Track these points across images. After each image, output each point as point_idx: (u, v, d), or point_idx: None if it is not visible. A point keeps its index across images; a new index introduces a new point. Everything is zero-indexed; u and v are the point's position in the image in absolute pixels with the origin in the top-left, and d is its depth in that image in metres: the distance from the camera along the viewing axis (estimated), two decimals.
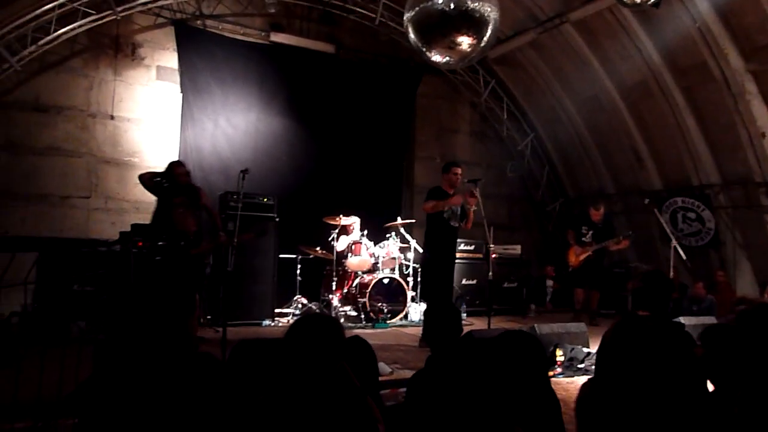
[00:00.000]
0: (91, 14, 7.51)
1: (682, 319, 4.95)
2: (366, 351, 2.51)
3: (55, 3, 7.14)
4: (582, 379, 3.77)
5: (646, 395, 2.12)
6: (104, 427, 1.95)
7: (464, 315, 7.57)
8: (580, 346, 5.20)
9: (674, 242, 7.15)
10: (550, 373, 4.77)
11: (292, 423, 1.81)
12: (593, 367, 4.72)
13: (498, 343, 2.20)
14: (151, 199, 8.30)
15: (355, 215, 8.13)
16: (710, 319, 6.24)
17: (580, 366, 4.91)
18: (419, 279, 7.99)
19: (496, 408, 1.87)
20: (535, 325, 5.39)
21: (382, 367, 4.59)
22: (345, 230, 8.08)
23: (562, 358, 5.00)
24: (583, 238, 8.04)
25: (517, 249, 9.68)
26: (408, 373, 4.73)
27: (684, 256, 7.20)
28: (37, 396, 2.40)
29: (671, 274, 6.90)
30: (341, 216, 7.89)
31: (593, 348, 5.23)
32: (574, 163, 10.99)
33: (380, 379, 3.85)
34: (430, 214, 6.28)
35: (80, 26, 7.52)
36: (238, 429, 1.96)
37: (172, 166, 5.67)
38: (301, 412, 1.82)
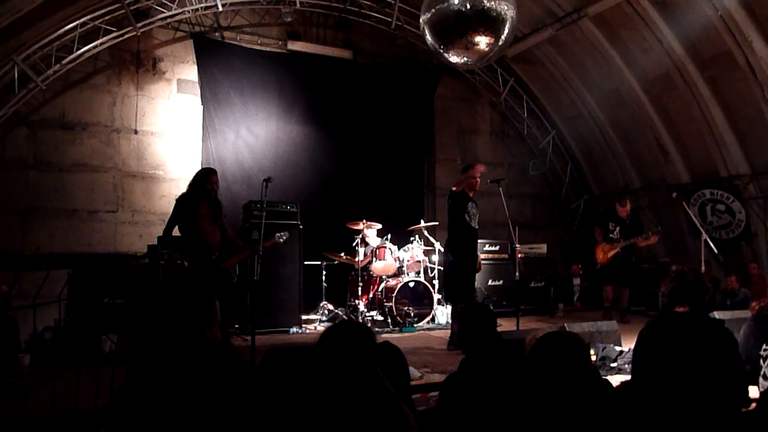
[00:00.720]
0: (112, 31, 7.64)
1: (716, 314, 4.83)
2: (397, 357, 2.49)
3: (77, 22, 7.29)
4: (615, 378, 3.70)
5: (686, 396, 2.06)
6: None
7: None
8: (612, 345, 5.11)
9: (704, 235, 6.99)
10: None
11: (327, 431, 1.80)
12: (627, 365, 4.66)
13: (540, 346, 2.13)
14: None
15: (377, 220, 8.11)
16: (745, 313, 6.08)
17: (612, 365, 4.82)
18: (443, 281, 7.92)
19: (536, 411, 1.84)
20: (565, 324, 5.30)
21: (412, 371, 4.55)
22: (363, 241, 8.05)
23: (594, 358, 4.90)
24: (611, 235, 7.92)
25: (542, 248, 9.57)
26: (438, 377, 4.71)
27: (715, 250, 7.04)
28: (73, 409, 2.43)
29: (703, 268, 6.76)
30: (364, 221, 7.89)
31: (626, 346, 5.14)
32: (597, 159, 10.84)
33: (410, 383, 3.82)
34: (452, 217, 6.22)
35: (102, 44, 7.65)
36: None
37: (209, 172, 5.61)
38: (337, 420, 1.81)
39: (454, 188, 6.32)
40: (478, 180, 6.30)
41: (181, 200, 5.51)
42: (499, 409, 2.06)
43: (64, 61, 7.42)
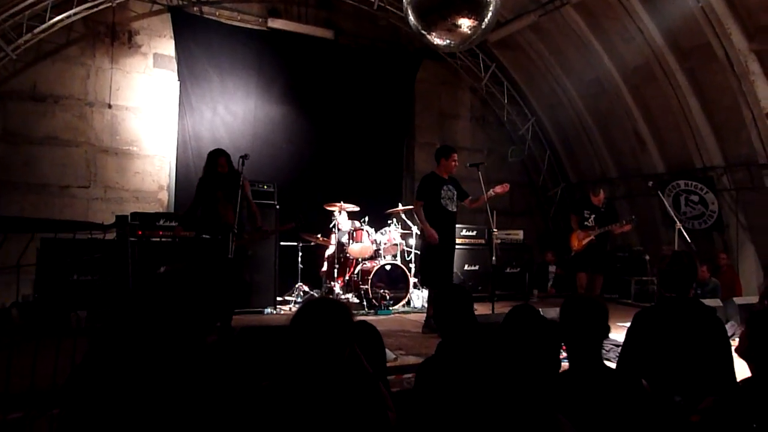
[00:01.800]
0: (86, 1, 7.42)
1: None
2: (374, 336, 2.46)
3: None
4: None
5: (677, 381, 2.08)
6: (91, 417, 1.90)
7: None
8: None
9: (678, 225, 7.09)
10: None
11: (302, 409, 1.77)
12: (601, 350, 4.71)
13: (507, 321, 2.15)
14: (150, 188, 8.33)
15: (355, 202, 8.06)
16: (715, 302, 6.22)
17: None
18: (419, 265, 7.92)
19: (516, 392, 1.82)
20: (540, 309, 5.34)
21: (387, 353, 4.54)
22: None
23: None
24: (586, 223, 7.98)
25: (519, 234, 9.65)
26: (412, 359, 4.72)
27: (689, 239, 7.15)
28: (30, 386, 2.36)
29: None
30: (342, 203, 7.84)
31: None
32: (575, 147, 10.91)
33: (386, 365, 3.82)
34: (427, 200, 6.17)
35: (75, 14, 7.43)
36: (243, 416, 1.92)
37: (215, 155, 5.65)
38: (313, 398, 1.78)
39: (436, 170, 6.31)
40: (455, 164, 6.29)
41: (199, 185, 5.67)
42: (476, 392, 2.05)
43: (35, 30, 7.19)
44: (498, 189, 6.25)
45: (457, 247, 8.36)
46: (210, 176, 5.58)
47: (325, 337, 1.84)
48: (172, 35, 8.39)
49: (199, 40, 8.46)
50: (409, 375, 4.18)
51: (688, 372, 2.37)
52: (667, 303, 2.88)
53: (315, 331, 1.84)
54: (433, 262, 6.20)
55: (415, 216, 6.37)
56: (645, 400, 2.14)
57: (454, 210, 6.27)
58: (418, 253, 8.07)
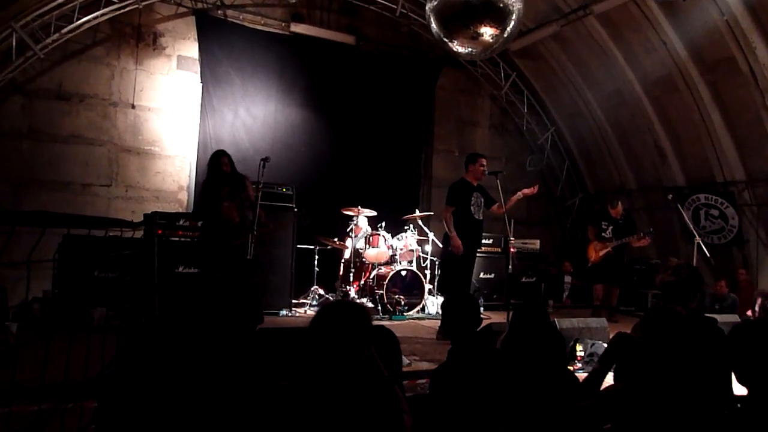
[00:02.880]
0: (113, 3, 7.55)
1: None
2: (391, 341, 2.48)
3: None
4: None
5: (674, 393, 2.07)
6: (124, 412, 1.95)
7: (482, 309, 7.50)
8: (600, 342, 5.13)
9: (698, 239, 7.02)
10: (571, 368, 4.71)
11: (320, 410, 1.79)
12: None
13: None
14: (171, 188, 8.43)
15: (372, 207, 8.09)
16: (733, 317, 6.14)
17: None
18: (439, 271, 7.92)
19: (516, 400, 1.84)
20: (555, 319, 5.32)
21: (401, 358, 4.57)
22: (358, 228, 8.03)
23: (582, 353, 4.94)
24: (603, 234, 7.94)
25: (536, 244, 9.60)
26: (426, 365, 4.72)
27: (708, 254, 7.08)
28: (63, 379, 2.41)
29: None
30: (359, 207, 7.87)
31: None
32: (594, 158, 10.85)
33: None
34: (457, 207, 6.15)
35: (102, 15, 7.56)
36: (263, 416, 1.94)
37: (218, 155, 5.71)
38: (331, 400, 1.80)
39: (465, 176, 6.34)
40: (483, 169, 6.28)
41: (204, 185, 5.71)
42: (487, 397, 2.06)
43: (63, 31, 7.33)
44: (527, 191, 6.24)
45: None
46: (214, 177, 5.62)
47: (344, 339, 1.86)
48: (196, 38, 8.51)
49: (222, 43, 8.57)
50: (423, 380, 4.18)
51: (685, 383, 2.35)
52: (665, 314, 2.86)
53: (335, 333, 1.87)
54: (454, 270, 6.19)
55: (444, 223, 6.23)
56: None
57: (481, 218, 6.31)
58: (435, 259, 8.10)
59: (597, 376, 2.56)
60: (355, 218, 8.03)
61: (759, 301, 3.26)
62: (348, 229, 8.05)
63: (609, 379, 2.65)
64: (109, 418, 1.90)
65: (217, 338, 2.04)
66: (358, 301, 7.68)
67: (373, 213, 8.13)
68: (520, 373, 1.99)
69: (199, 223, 6.06)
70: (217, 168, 5.62)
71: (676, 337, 2.10)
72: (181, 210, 8.30)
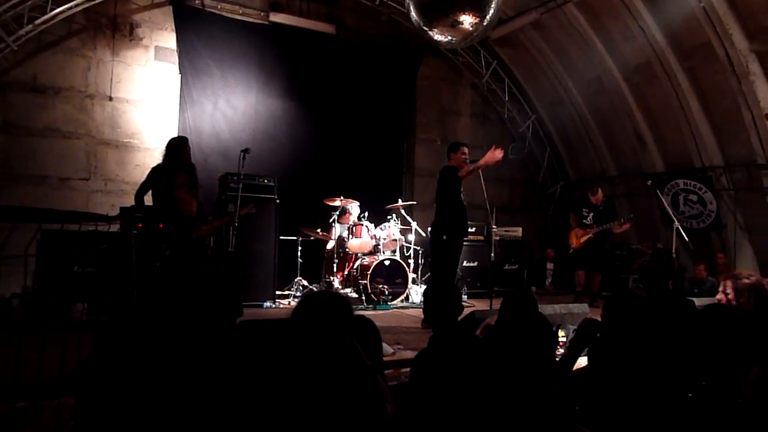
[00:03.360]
0: None
1: None
2: (371, 330, 2.49)
3: None
4: (583, 360, 3.78)
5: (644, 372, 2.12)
6: (102, 407, 1.94)
7: (465, 297, 7.56)
8: None
9: (677, 224, 7.12)
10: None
11: (302, 400, 1.79)
12: None
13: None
14: None
15: (355, 197, 8.09)
16: (711, 300, 6.25)
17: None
18: (431, 258, 7.81)
19: (500, 387, 1.86)
20: (538, 306, 5.37)
21: (385, 347, 4.58)
22: (344, 218, 8.03)
23: (564, 339, 4.99)
24: (585, 221, 8.03)
25: (518, 231, 9.68)
26: (410, 354, 4.73)
27: (686, 239, 7.19)
28: (38, 376, 2.39)
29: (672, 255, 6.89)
30: (342, 197, 7.86)
31: None
32: (575, 145, 10.93)
33: (383, 359, 3.85)
34: (449, 196, 6.19)
35: (77, 5, 7.42)
36: (244, 408, 1.94)
37: (185, 140, 5.50)
38: (313, 390, 1.80)
39: (451, 163, 6.31)
40: (465, 157, 6.32)
41: (158, 169, 5.39)
42: (467, 383, 2.08)
43: (37, 22, 7.18)
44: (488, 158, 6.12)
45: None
46: (173, 163, 5.34)
47: (325, 329, 1.86)
48: (174, 28, 8.39)
49: (200, 34, 8.46)
50: (407, 369, 4.19)
51: (646, 363, 2.40)
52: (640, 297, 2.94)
53: (316, 323, 1.87)
54: (445, 256, 6.20)
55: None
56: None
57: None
58: (418, 249, 8.13)
59: (567, 361, 2.60)
60: (349, 207, 8.03)
61: (729, 284, 3.30)
62: (331, 219, 8.02)
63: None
64: (88, 414, 1.89)
65: (195, 332, 2.03)
66: (342, 291, 7.68)
67: (356, 203, 8.13)
68: (510, 361, 2.01)
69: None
70: (179, 155, 5.38)
71: (635, 319, 2.15)
72: None
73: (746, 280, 3.23)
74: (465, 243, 8.62)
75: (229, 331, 2.23)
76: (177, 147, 5.44)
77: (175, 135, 8.28)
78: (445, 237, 6.12)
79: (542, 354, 2.03)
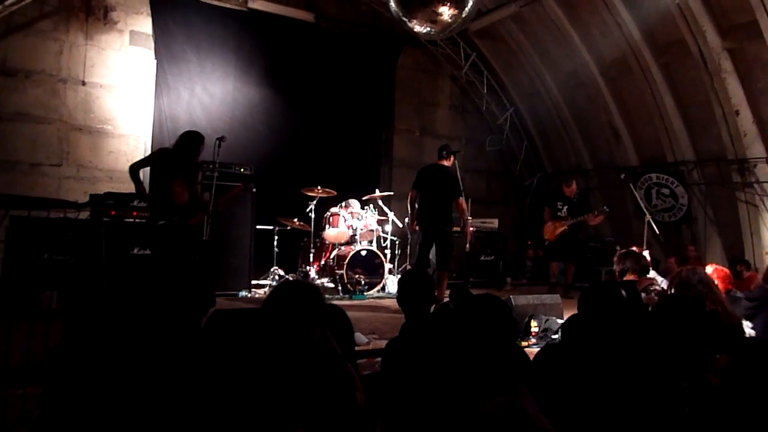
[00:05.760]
0: None
1: None
2: (342, 320, 2.50)
3: None
4: None
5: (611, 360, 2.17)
6: (70, 397, 1.92)
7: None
8: (554, 318, 5.28)
9: (648, 217, 7.26)
10: (524, 344, 4.85)
11: (272, 389, 1.80)
12: None
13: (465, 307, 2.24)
14: (125, 167, 8.18)
15: (332, 187, 8.04)
16: None
17: (554, 336, 4.99)
18: (443, 248, 7.68)
19: (469, 374, 1.89)
20: (511, 296, 5.45)
21: (359, 337, 4.62)
22: (334, 221, 8.00)
23: (536, 329, 5.08)
24: (559, 213, 8.13)
25: (494, 223, 9.75)
26: (384, 344, 4.77)
27: (657, 231, 7.32)
28: (4, 365, 2.36)
29: (645, 248, 7.01)
30: (319, 187, 7.83)
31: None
32: (552, 138, 11.04)
33: (357, 349, 3.88)
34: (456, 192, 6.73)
35: None
36: (216, 397, 1.94)
37: (201, 141, 5.28)
38: (284, 379, 1.81)
39: (447, 164, 6.72)
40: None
41: (163, 155, 5.26)
42: (438, 370, 2.11)
43: (7, 2, 6.97)
44: None
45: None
46: (183, 155, 5.21)
47: (296, 318, 1.87)
48: (150, 12, 8.24)
49: (177, 19, 8.32)
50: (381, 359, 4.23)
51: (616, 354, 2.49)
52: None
53: (286, 313, 1.87)
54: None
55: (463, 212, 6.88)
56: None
57: None
58: (395, 239, 8.16)
59: None
60: (316, 198, 8.01)
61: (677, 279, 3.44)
62: (308, 209, 7.95)
63: None
64: (56, 403, 1.87)
65: (165, 322, 2.02)
66: (318, 281, 7.68)
67: (333, 193, 8.10)
68: (466, 349, 2.05)
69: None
70: (193, 152, 5.21)
71: (608, 311, 2.21)
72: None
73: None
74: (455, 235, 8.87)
75: (200, 320, 2.22)
76: (193, 141, 5.25)
77: (151, 121, 8.22)
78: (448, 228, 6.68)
79: (499, 341, 2.06)
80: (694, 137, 8.66)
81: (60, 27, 7.79)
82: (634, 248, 5.39)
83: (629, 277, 4.28)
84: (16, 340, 2.43)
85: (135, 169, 5.22)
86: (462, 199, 6.72)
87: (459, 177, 6.71)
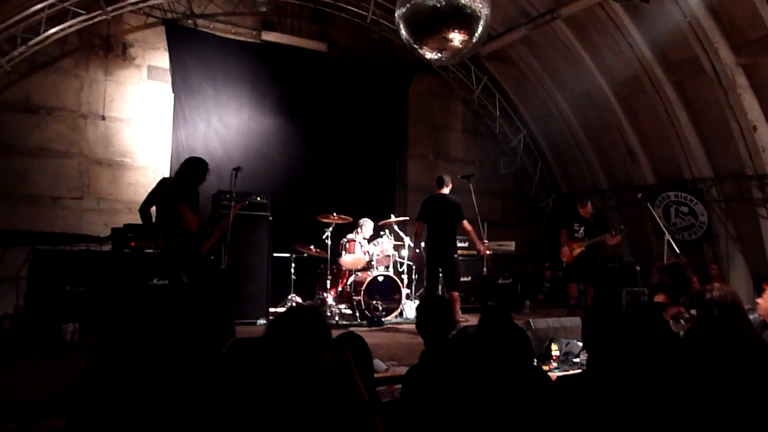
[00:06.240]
0: (81, 14, 7.47)
1: None
2: (361, 347, 2.49)
3: (44, 3, 7.09)
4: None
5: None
6: (94, 427, 1.93)
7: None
8: (575, 341, 5.19)
9: (667, 236, 7.17)
10: (546, 368, 4.77)
11: (287, 422, 1.78)
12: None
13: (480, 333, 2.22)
14: (142, 199, 8.32)
15: (348, 214, 8.08)
16: None
17: (575, 360, 4.91)
18: (453, 271, 7.77)
19: (489, 400, 1.86)
20: (530, 320, 5.38)
21: (378, 364, 4.59)
22: (352, 229, 8.15)
23: (557, 353, 4.99)
24: (576, 234, 8.06)
25: (511, 245, 9.68)
26: (403, 370, 4.72)
27: (677, 250, 7.22)
28: (29, 397, 2.38)
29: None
30: (335, 214, 7.86)
31: None
32: (566, 159, 11.01)
33: (376, 376, 3.86)
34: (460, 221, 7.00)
35: (70, 26, 7.47)
36: (234, 427, 1.94)
37: (206, 168, 5.33)
38: (294, 405, 1.78)
39: (446, 191, 7.03)
40: None
41: (168, 184, 5.31)
42: (459, 397, 2.09)
43: (30, 43, 7.22)
44: None
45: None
46: (188, 182, 5.28)
47: (297, 343, 1.83)
48: (167, 47, 8.45)
49: (193, 53, 8.52)
50: (400, 386, 4.19)
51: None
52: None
53: (288, 338, 1.84)
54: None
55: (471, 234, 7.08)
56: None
57: None
58: (411, 264, 8.16)
59: None
60: (363, 222, 8.20)
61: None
62: (324, 236, 7.98)
63: None
64: None
65: (186, 354, 2.03)
66: (335, 307, 7.67)
67: (349, 219, 8.13)
68: (488, 373, 2.03)
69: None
70: (199, 179, 5.30)
71: (611, 333, 2.18)
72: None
73: (713, 293, 3.20)
74: (458, 257, 8.80)
75: (220, 352, 2.23)
76: (201, 172, 5.31)
77: (168, 154, 8.36)
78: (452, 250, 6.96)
79: (519, 364, 2.04)
80: (712, 154, 8.59)
81: (80, 64, 8.01)
82: (679, 260, 4.91)
83: (660, 297, 3.65)
84: (40, 372, 2.46)
85: (146, 208, 5.19)
86: (466, 222, 6.87)
87: (473, 200, 6.74)
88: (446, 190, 7.05)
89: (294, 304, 7.73)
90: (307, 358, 1.80)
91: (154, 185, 5.37)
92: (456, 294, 6.85)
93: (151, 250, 6.43)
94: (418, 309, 3.03)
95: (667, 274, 3.59)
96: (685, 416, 2.09)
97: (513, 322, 2.63)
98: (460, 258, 8.82)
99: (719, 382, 2.28)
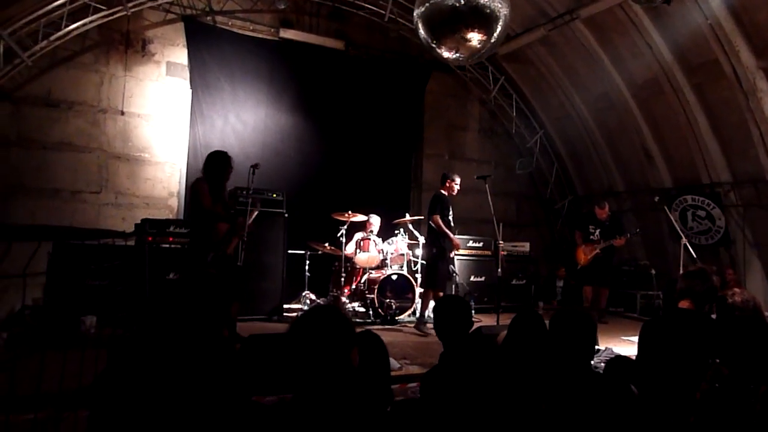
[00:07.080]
0: (101, 10, 7.55)
1: None
2: (378, 345, 2.51)
3: None
4: None
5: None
6: (117, 419, 1.97)
7: (473, 312, 7.54)
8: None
9: (684, 240, 7.11)
10: None
11: (306, 417, 1.80)
12: (602, 364, 4.74)
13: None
14: (161, 194, 8.42)
15: (362, 212, 8.12)
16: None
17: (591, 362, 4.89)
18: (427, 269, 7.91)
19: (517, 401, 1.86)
20: (546, 321, 5.37)
21: (392, 362, 4.60)
22: (363, 226, 8.21)
23: None
24: (591, 237, 8.03)
25: (525, 246, 9.66)
26: (416, 369, 4.76)
27: (694, 255, 7.16)
28: (58, 388, 2.43)
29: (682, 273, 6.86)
30: (350, 212, 7.90)
31: (603, 345, 5.22)
32: (583, 160, 10.94)
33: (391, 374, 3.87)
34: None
35: (91, 22, 7.55)
36: (250, 421, 1.96)
37: (230, 161, 5.39)
38: (328, 409, 1.78)
39: (443, 191, 7.18)
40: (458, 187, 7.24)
41: (211, 181, 5.30)
42: (480, 400, 2.09)
43: (51, 38, 7.31)
44: None
45: (463, 258, 8.56)
46: (221, 177, 5.32)
47: (320, 341, 1.83)
48: (185, 44, 8.52)
49: (211, 49, 8.58)
50: (414, 384, 4.22)
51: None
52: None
53: (310, 337, 1.85)
54: (440, 267, 6.97)
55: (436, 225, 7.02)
56: (633, 404, 2.20)
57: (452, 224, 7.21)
58: (424, 262, 8.16)
59: None
60: (373, 219, 8.27)
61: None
62: (339, 234, 8.03)
63: None
64: (103, 425, 1.92)
65: (184, 340, 2.05)
66: (349, 305, 7.70)
67: (364, 217, 8.16)
68: (519, 378, 2.03)
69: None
70: (226, 172, 5.37)
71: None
72: (171, 216, 8.30)
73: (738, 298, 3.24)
74: (472, 258, 8.86)
75: (213, 342, 2.23)
76: (224, 163, 5.36)
77: (186, 149, 8.44)
78: (435, 250, 7.04)
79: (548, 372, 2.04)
80: (730, 158, 8.49)
81: (101, 60, 8.10)
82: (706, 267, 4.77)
83: (685, 303, 3.52)
84: (69, 364, 2.51)
85: (213, 207, 5.22)
86: (435, 217, 6.96)
87: (489, 201, 6.74)
88: (442, 190, 7.20)
89: (312, 303, 7.78)
90: (334, 356, 1.82)
91: (194, 188, 5.39)
92: (429, 291, 7.13)
93: (167, 245, 6.50)
94: (435, 310, 3.03)
95: (697, 281, 3.52)
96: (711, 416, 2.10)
97: (545, 327, 2.64)
98: (473, 258, 8.90)
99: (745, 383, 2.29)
